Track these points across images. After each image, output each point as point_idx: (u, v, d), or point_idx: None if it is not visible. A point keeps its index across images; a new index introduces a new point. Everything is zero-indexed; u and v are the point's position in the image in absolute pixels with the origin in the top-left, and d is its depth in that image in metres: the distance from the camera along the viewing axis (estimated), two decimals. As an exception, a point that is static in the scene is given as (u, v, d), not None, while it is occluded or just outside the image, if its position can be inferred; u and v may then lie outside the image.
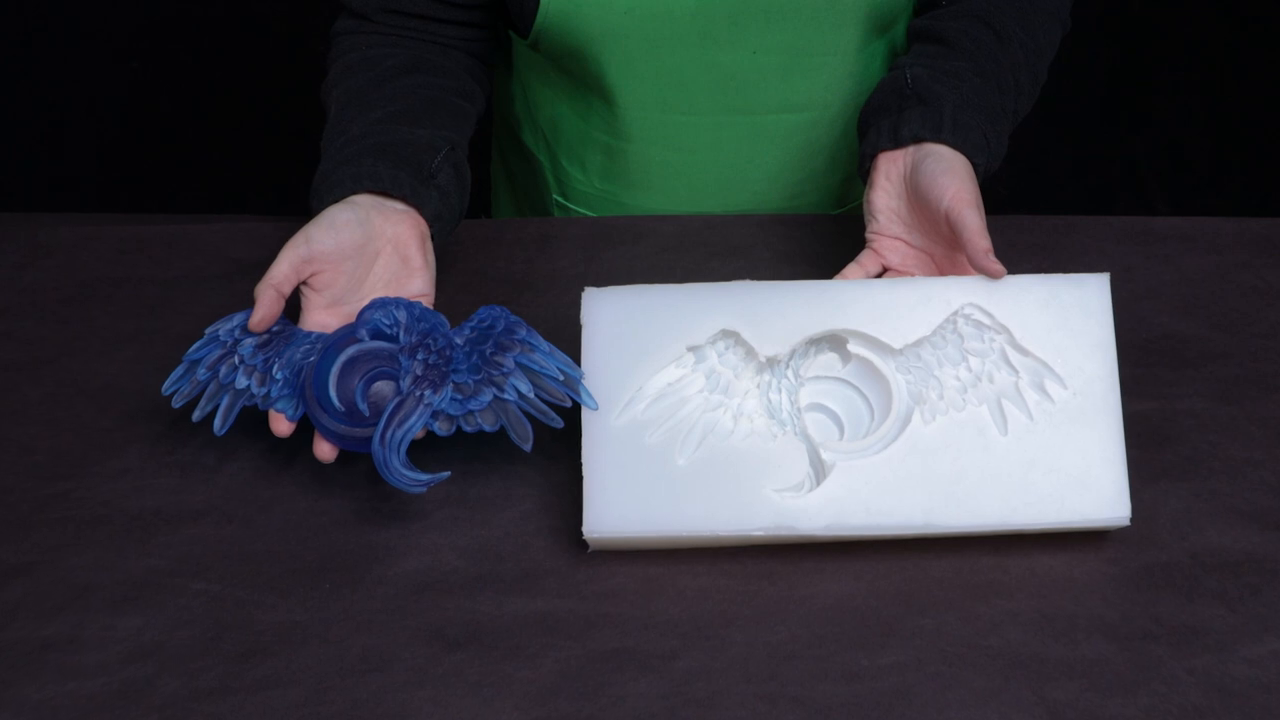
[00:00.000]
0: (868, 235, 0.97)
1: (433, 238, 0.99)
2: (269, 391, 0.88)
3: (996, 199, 1.03)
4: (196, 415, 0.89)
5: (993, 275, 0.86)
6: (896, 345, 0.86)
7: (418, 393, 0.85)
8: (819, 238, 1.12)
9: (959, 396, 0.85)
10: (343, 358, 0.88)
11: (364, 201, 0.95)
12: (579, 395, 0.85)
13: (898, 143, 0.96)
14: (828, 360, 0.88)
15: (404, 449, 0.85)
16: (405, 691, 0.76)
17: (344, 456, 0.89)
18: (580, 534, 0.83)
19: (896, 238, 0.97)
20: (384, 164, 0.97)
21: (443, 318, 0.89)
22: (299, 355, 0.89)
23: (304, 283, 0.92)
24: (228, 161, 2.51)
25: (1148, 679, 0.76)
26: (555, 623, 0.80)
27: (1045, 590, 0.82)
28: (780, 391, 0.87)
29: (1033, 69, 1.06)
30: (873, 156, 0.97)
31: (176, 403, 0.90)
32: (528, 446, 0.86)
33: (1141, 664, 0.77)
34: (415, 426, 0.85)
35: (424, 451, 0.88)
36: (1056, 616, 0.80)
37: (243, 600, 0.82)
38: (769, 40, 1.10)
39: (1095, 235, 1.12)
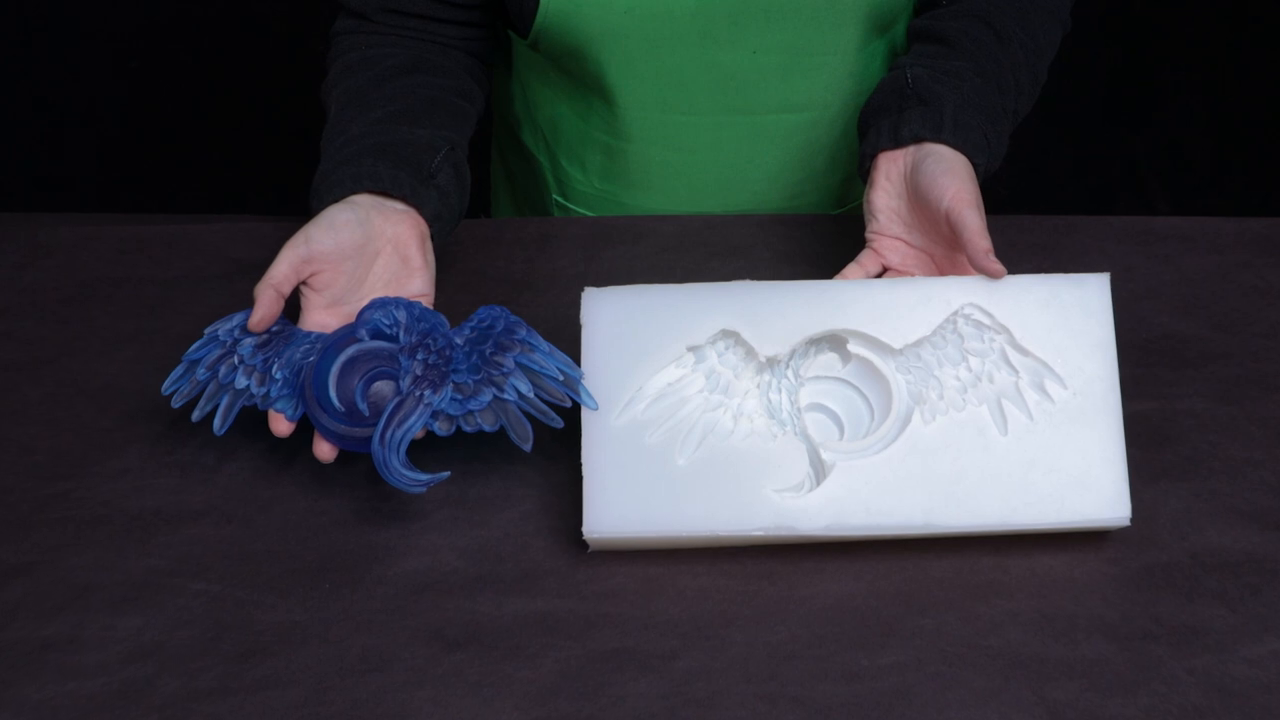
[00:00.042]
0: (868, 235, 0.97)
1: (432, 238, 0.99)
2: (268, 391, 0.88)
3: (997, 199, 1.03)
4: (196, 415, 0.89)
5: (993, 275, 0.86)
6: (896, 345, 0.86)
7: (417, 393, 0.85)
8: (819, 238, 1.12)
9: (959, 396, 0.85)
10: (342, 358, 0.88)
11: (364, 201, 0.95)
12: (579, 395, 0.85)
13: (898, 142, 0.96)
14: (828, 360, 0.88)
15: (404, 449, 0.85)
16: (405, 691, 0.76)
17: (344, 456, 0.89)
18: (580, 534, 0.83)
19: (896, 237, 0.97)
20: (384, 164, 0.97)
21: (442, 318, 0.89)
22: (299, 355, 0.89)
23: (304, 283, 0.92)
24: (228, 161, 2.51)
25: (1148, 679, 0.76)
26: (555, 623, 0.80)
27: (1045, 590, 0.82)
28: (780, 391, 0.87)
29: (1033, 69, 1.06)
30: (873, 156, 0.97)
31: (176, 403, 0.90)
32: (527, 446, 0.86)
33: (1142, 664, 0.77)
34: (415, 426, 0.85)
35: (424, 451, 0.88)
36: (1057, 617, 0.80)
37: (242, 600, 0.82)
38: (769, 40, 1.10)
39: (1096, 235, 1.12)
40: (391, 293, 0.95)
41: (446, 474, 0.85)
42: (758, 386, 0.87)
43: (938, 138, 0.95)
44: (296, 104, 1.95)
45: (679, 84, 1.12)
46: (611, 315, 0.87)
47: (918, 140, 0.95)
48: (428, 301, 0.97)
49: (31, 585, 0.84)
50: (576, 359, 0.86)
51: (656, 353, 0.86)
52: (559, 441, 0.91)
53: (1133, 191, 2.44)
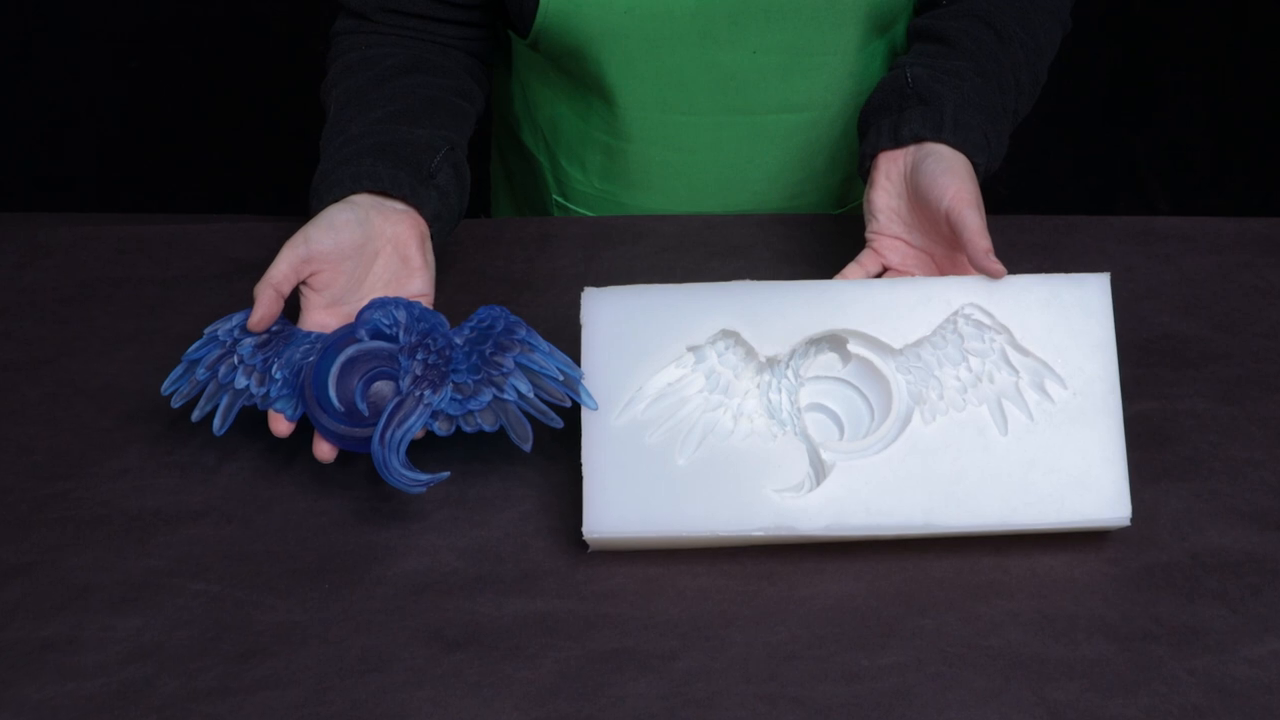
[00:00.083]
0: (868, 235, 0.97)
1: (432, 237, 0.99)
2: (268, 391, 0.88)
3: (997, 199, 1.03)
4: (196, 415, 0.89)
5: (993, 275, 0.86)
6: (896, 345, 0.86)
7: (417, 393, 0.85)
8: (819, 238, 1.12)
9: (959, 396, 0.85)
10: (342, 358, 0.88)
11: (363, 201, 0.95)
12: (579, 395, 0.85)
13: (898, 142, 0.96)
14: (828, 360, 0.88)
15: (403, 449, 0.84)
16: (405, 692, 0.76)
17: (343, 456, 0.89)
18: (580, 534, 0.83)
19: (897, 237, 0.96)
20: (383, 164, 0.97)
21: (442, 317, 0.89)
22: (298, 355, 0.89)
23: (303, 282, 0.92)
24: (228, 161, 2.50)
25: (1148, 679, 0.76)
26: (555, 623, 0.80)
27: (1046, 590, 0.82)
28: (780, 391, 0.87)
29: (1033, 69, 1.06)
30: (873, 156, 0.97)
31: (176, 403, 0.90)
32: (527, 447, 0.86)
33: (1142, 664, 0.77)
34: (415, 427, 0.85)
35: (423, 452, 0.88)
36: (1057, 617, 0.80)
37: (242, 601, 0.82)
38: (769, 40, 1.10)
39: (1096, 235, 1.12)
40: (391, 293, 0.94)
41: (446, 474, 0.85)
42: (758, 386, 0.87)
43: (938, 137, 0.95)
44: (296, 104, 1.95)
45: (679, 84, 1.12)
46: (611, 315, 0.86)
47: (918, 140, 0.95)
48: (427, 301, 0.96)
49: (31, 585, 0.84)
50: (576, 359, 0.86)
51: (656, 353, 0.86)
52: (559, 441, 0.91)
53: (1133, 191, 2.44)
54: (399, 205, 0.97)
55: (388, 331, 0.88)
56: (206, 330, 0.91)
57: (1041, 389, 0.85)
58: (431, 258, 0.98)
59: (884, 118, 0.98)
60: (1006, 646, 0.78)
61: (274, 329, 0.90)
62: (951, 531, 0.83)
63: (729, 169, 1.17)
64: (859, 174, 1.00)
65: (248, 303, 0.90)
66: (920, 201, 0.93)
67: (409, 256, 0.96)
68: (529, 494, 0.89)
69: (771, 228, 1.13)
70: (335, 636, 0.80)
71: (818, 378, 0.88)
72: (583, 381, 0.85)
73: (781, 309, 0.86)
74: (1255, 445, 0.92)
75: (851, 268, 0.96)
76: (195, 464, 0.92)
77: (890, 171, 0.96)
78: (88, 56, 2.48)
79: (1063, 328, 0.85)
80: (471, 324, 0.89)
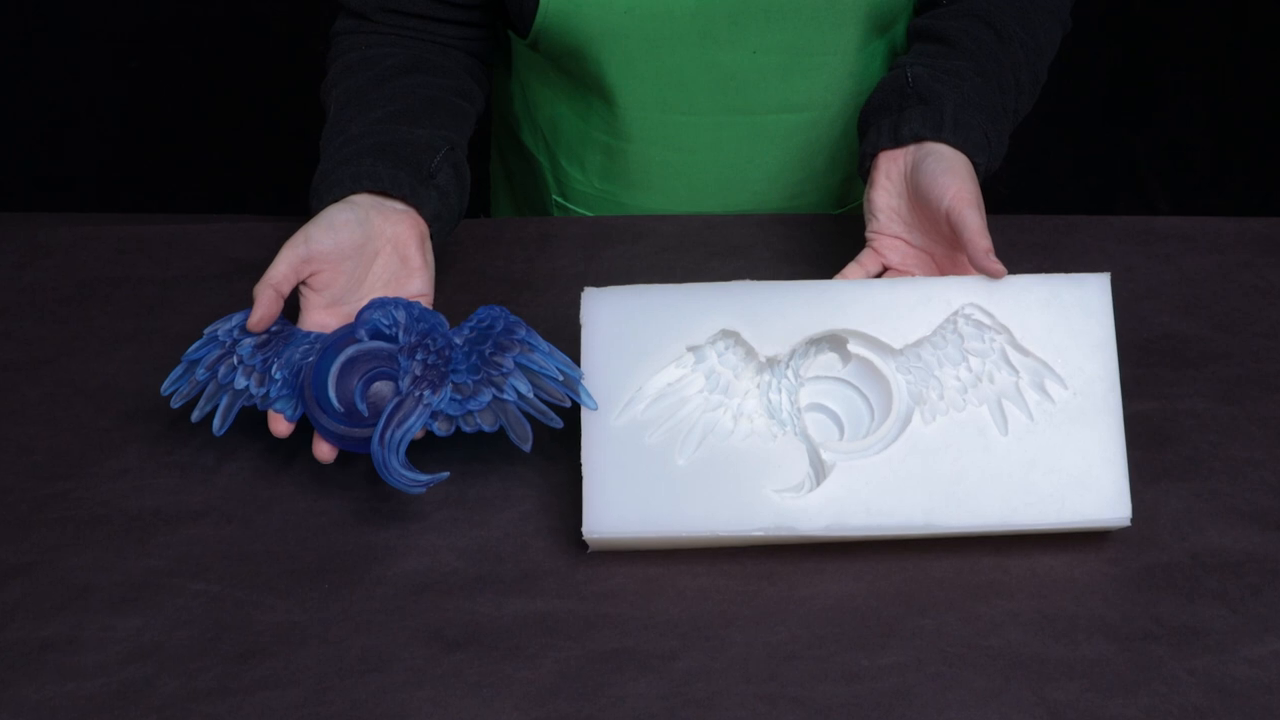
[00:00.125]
0: (868, 234, 0.97)
1: (432, 237, 0.99)
2: (268, 392, 0.88)
3: (997, 198, 1.03)
4: (195, 415, 0.89)
5: (993, 275, 0.86)
6: (896, 345, 0.86)
7: (417, 393, 0.85)
8: (819, 238, 1.12)
9: (959, 396, 0.85)
10: (342, 358, 0.87)
11: (363, 201, 0.95)
12: (578, 395, 0.85)
13: (898, 142, 0.96)
14: (828, 360, 0.88)
15: (403, 449, 0.84)
16: (404, 692, 0.76)
17: (343, 457, 0.89)
18: (580, 534, 0.83)
19: (897, 237, 0.96)
20: (383, 164, 0.96)
21: (442, 318, 0.89)
22: (298, 355, 0.89)
23: (303, 283, 0.92)
24: (228, 161, 2.50)
25: (1148, 679, 0.76)
26: (555, 623, 0.80)
27: (1046, 591, 0.82)
28: (780, 391, 0.87)
29: (1033, 68, 1.06)
30: (873, 155, 0.97)
31: (175, 403, 0.90)
32: (527, 447, 0.86)
33: (1142, 664, 0.77)
34: (414, 427, 0.85)
35: (423, 452, 0.88)
36: (1057, 617, 0.80)
37: (242, 601, 0.82)
38: (769, 40, 1.10)
39: (1096, 235, 1.12)
40: (391, 293, 0.94)
41: (446, 474, 0.85)
42: (758, 386, 0.87)
43: (938, 137, 0.95)
44: (296, 104, 1.95)
45: (679, 84, 1.12)
46: (611, 315, 0.86)
47: (918, 139, 0.95)
48: (427, 301, 0.96)
49: (30, 585, 0.84)
50: (576, 359, 0.86)
51: (656, 353, 0.86)
52: (559, 442, 0.91)
53: (1133, 191, 2.44)
54: (399, 205, 0.97)
55: (387, 332, 0.88)
56: (206, 330, 0.91)
57: (1042, 389, 0.85)
58: (431, 258, 0.98)
59: (884, 117, 0.98)
60: (1006, 646, 0.78)
61: (273, 329, 0.90)
62: (951, 531, 0.83)
63: (729, 169, 1.17)
64: (859, 174, 1.00)
65: (247, 303, 0.90)
66: (920, 201, 0.93)
67: (409, 256, 0.96)
68: (529, 494, 0.89)
69: (771, 228, 1.13)
70: (335, 636, 0.80)
71: (818, 378, 0.88)
72: (582, 381, 0.85)
73: (781, 309, 0.86)
74: (1255, 445, 0.92)
75: (851, 267, 0.96)
76: (195, 464, 0.92)
77: (890, 171, 0.96)
78: (88, 56, 2.48)
79: (1063, 328, 0.85)
80: (471, 324, 0.89)
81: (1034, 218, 1.14)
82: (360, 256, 0.94)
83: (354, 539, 0.87)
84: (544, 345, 0.87)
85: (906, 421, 0.85)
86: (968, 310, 0.86)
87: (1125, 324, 0.96)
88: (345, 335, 0.89)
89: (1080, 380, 0.85)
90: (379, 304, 0.88)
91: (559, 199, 1.24)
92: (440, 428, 0.86)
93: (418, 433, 0.85)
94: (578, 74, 1.14)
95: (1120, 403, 0.85)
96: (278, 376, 0.88)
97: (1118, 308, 0.87)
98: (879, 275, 0.96)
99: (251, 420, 0.91)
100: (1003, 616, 0.80)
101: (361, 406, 0.87)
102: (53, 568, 0.85)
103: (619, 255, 1.10)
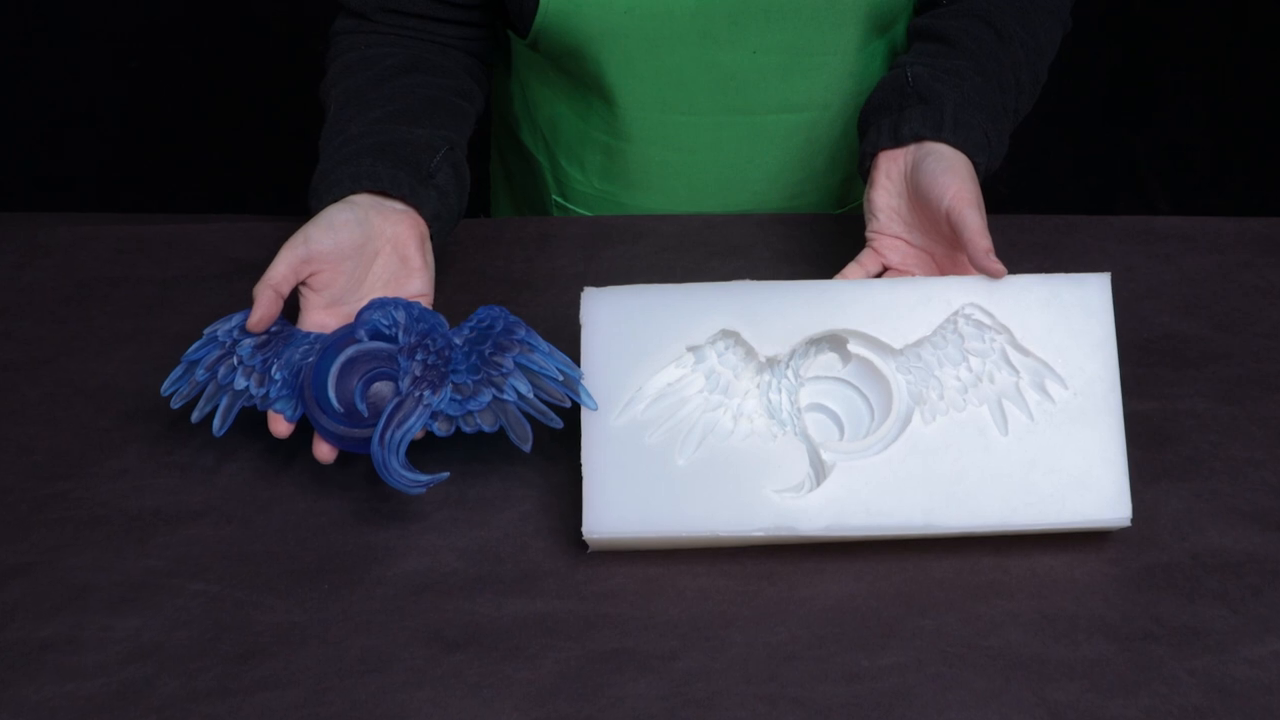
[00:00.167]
0: (868, 234, 0.97)
1: (431, 237, 0.99)
2: (268, 392, 0.88)
3: (997, 198, 1.03)
4: (195, 416, 0.89)
5: (993, 275, 0.86)
6: (897, 345, 0.86)
7: (417, 393, 0.85)
8: (819, 238, 1.12)
9: (959, 396, 0.85)
10: (341, 358, 0.87)
11: (363, 201, 0.95)
12: (578, 395, 0.85)
13: (898, 141, 0.96)
14: (828, 360, 0.88)
15: (403, 450, 0.84)
16: (404, 692, 0.76)
17: (343, 457, 0.89)
18: (580, 534, 0.83)
19: (897, 237, 0.96)
20: (383, 164, 0.96)
21: (442, 318, 0.89)
22: (298, 356, 0.89)
23: (303, 283, 0.92)
24: (228, 161, 2.50)
25: (1149, 680, 0.76)
26: (554, 623, 0.80)
27: (1046, 591, 0.82)
28: (780, 391, 0.87)
29: (1033, 68, 1.06)
30: (873, 155, 0.97)
31: (175, 403, 0.90)
32: (527, 447, 0.86)
33: (1142, 665, 0.77)
34: (414, 427, 0.85)
35: (423, 452, 0.88)
36: (1057, 617, 0.80)
37: (241, 601, 0.82)
38: (769, 40, 1.10)
39: (1096, 235, 1.12)
40: (390, 293, 0.94)
41: (446, 475, 0.85)
42: (758, 386, 0.87)
43: (938, 136, 0.95)
44: (296, 104, 1.94)
45: (679, 84, 1.12)
46: (611, 315, 0.86)
47: (918, 139, 0.95)
48: (427, 301, 0.96)
49: (30, 586, 0.84)
50: (576, 359, 0.86)
51: (656, 353, 0.86)
52: (559, 442, 0.91)
53: (1133, 191, 2.44)
54: (398, 205, 0.97)
55: (387, 332, 0.88)
56: (206, 331, 0.91)
57: (1042, 389, 0.85)
58: (431, 258, 0.98)
59: (884, 117, 0.98)
60: (1007, 647, 0.78)
61: (273, 329, 0.90)
62: (952, 532, 0.83)
63: (729, 169, 1.17)
64: (859, 173, 1.00)
65: (247, 303, 0.90)
66: (920, 201, 0.93)
67: (408, 256, 0.96)
68: (529, 494, 0.89)
69: (771, 228, 1.13)
70: (335, 637, 0.80)
71: (818, 378, 0.88)
72: (582, 381, 0.85)
73: (781, 309, 0.86)
74: (1256, 445, 0.92)
75: (851, 267, 0.96)
76: (195, 464, 0.92)
77: (890, 171, 0.96)
78: (88, 56, 2.48)
79: (1063, 327, 0.85)
80: (471, 324, 0.89)
81: (1034, 218, 1.14)
82: (360, 256, 0.93)
83: (354, 539, 0.87)
84: (544, 345, 0.87)
85: (906, 421, 0.85)
86: (968, 310, 0.86)
87: (1125, 324, 0.96)
88: (345, 335, 0.88)
89: (1080, 380, 0.85)
90: (379, 304, 0.88)
91: (559, 199, 1.24)
92: (440, 428, 0.86)
93: (418, 433, 0.85)
94: (577, 74, 1.14)
95: (1120, 403, 0.84)
96: (277, 377, 0.88)
97: (1118, 308, 0.87)
98: (879, 275, 0.96)
99: (251, 421, 0.91)
100: (1003, 617, 0.80)
101: (361, 407, 0.87)
102: (52, 568, 0.85)
103: (619, 255, 1.10)
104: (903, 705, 0.75)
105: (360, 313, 0.88)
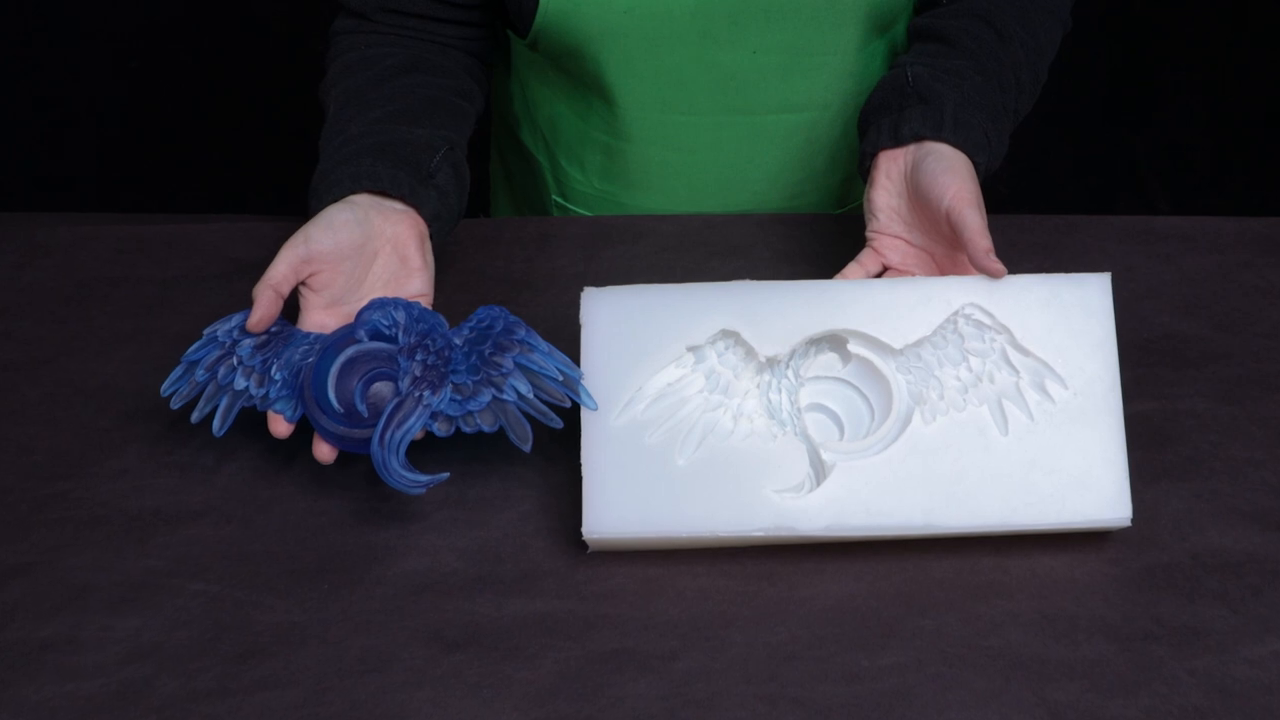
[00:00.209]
0: (868, 234, 0.97)
1: (431, 237, 0.98)
2: (268, 393, 0.88)
3: (997, 198, 1.03)
4: (195, 416, 0.89)
5: (993, 275, 0.86)
6: (897, 345, 0.86)
7: (416, 394, 0.85)
8: (819, 238, 1.11)
9: (959, 396, 0.85)
10: (341, 358, 0.87)
11: (363, 201, 0.95)
12: (578, 395, 0.85)
13: (898, 141, 0.96)
14: (828, 360, 0.88)
15: (403, 450, 0.84)
16: (404, 692, 0.76)
17: (343, 457, 0.89)
18: (579, 534, 0.83)
19: (897, 236, 0.96)
20: (383, 164, 0.96)
21: (441, 318, 0.89)
22: (297, 356, 0.89)
23: (302, 283, 0.92)
24: (228, 161, 2.50)
25: (1149, 680, 0.76)
26: (554, 624, 0.80)
27: (1046, 591, 0.82)
28: (780, 391, 0.87)
29: (1034, 68, 1.06)
30: (873, 155, 0.97)
31: (175, 404, 0.90)
32: (527, 447, 0.85)
33: (1143, 665, 0.77)
34: (414, 427, 0.85)
35: (423, 452, 0.88)
36: (1057, 617, 0.80)
37: (241, 601, 0.82)
38: (769, 40, 1.10)
39: (1096, 235, 1.12)
40: (390, 293, 0.94)
41: (446, 475, 0.84)
42: (758, 386, 0.87)
43: (938, 136, 0.94)
44: (296, 104, 1.94)
45: (679, 84, 1.12)
46: (611, 315, 0.86)
47: (918, 138, 0.95)
48: (427, 302, 0.96)
49: (30, 586, 0.84)
50: (576, 359, 0.86)
51: (656, 353, 0.86)
52: (558, 442, 0.91)
53: (1133, 191, 2.44)
54: (398, 205, 0.96)
55: (387, 332, 0.88)
56: (206, 331, 0.91)
57: (1042, 389, 0.85)
58: (431, 258, 0.98)
59: (884, 116, 0.97)
60: (1007, 647, 0.78)
61: (273, 330, 0.90)
62: (952, 532, 0.83)
63: (729, 169, 1.17)
64: (859, 173, 1.00)
65: (247, 303, 0.90)
66: (921, 200, 0.93)
67: (408, 256, 0.96)
68: (529, 494, 0.89)
69: (771, 228, 1.13)
70: (335, 637, 0.80)
71: (818, 378, 0.88)
72: (582, 382, 0.85)
73: (781, 309, 0.86)
74: (1256, 445, 0.92)
75: (851, 267, 0.96)
76: (195, 464, 0.92)
77: (890, 170, 0.96)
78: (88, 56, 2.48)
79: (1063, 327, 0.85)
80: (471, 324, 0.89)
81: (1034, 217, 1.14)
82: (360, 257, 0.93)
83: (354, 539, 0.87)
84: (544, 345, 0.87)
85: (906, 421, 0.85)
86: (968, 310, 0.86)
87: (1125, 324, 0.96)
88: (345, 336, 0.88)
89: (1080, 380, 0.85)
90: (378, 304, 0.88)
91: (559, 199, 1.24)
92: (440, 428, 0.86)
93: (417, 433, 0.85)
94: (577, 74, 1.14)
95: (1120, 403, 0.84)
96: (277, 377, 0.88)
97: (1118, 308, 0.87)
98: (879, 275, 0.96)
99: (251, 421, 0.91)
100: (1003, 617, 0.80)
101: (361, 407, 0.87)
102: (52, 568, 0.85)
103: (619, 255, 1.10)
104: (903, 705, 0.75)
105: (360, 313, 0.88)
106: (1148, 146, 2.42)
